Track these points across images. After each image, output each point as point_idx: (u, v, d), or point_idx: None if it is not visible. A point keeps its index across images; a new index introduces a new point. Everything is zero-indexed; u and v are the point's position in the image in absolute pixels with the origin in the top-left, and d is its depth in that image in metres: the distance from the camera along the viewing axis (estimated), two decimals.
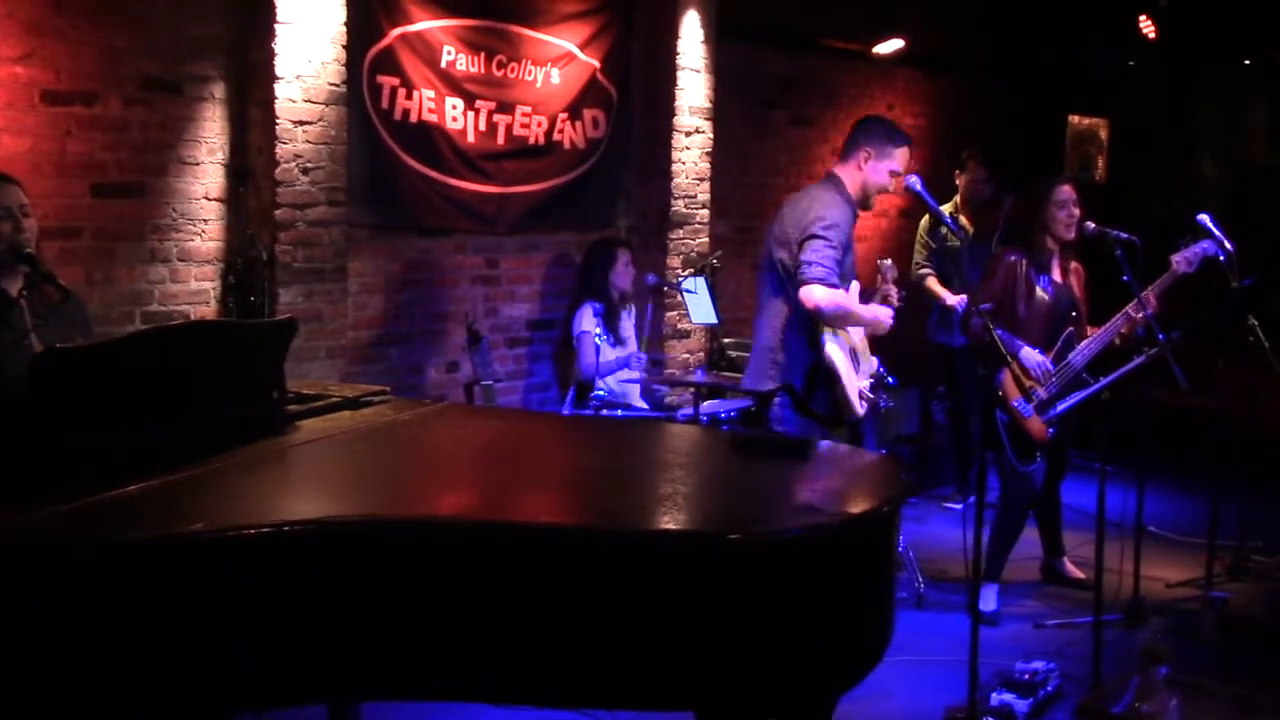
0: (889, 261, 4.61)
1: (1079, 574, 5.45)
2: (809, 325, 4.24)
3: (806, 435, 4.02)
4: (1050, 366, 4.99)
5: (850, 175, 4.40)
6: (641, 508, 2.65)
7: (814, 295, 4.11)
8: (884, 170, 4.40)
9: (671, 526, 2.51)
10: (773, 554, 2.38)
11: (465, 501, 2.73)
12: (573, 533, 2.42)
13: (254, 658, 2.26)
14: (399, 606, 2.32)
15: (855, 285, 4.40)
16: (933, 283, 6.45)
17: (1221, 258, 4.94)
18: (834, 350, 4.24)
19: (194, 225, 4.88)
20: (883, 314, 4.37)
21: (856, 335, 4.44)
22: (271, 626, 2.27)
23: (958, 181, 6.62)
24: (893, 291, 4.49)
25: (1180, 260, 4.92)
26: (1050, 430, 4.98)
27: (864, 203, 4.45)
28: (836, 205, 4.28)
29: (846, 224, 4.28)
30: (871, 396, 4.40)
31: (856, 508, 2.65)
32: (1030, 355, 5.00)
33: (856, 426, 4.51)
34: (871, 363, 4.53)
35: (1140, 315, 4.81)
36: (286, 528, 2.28)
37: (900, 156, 4.41)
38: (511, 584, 2.33)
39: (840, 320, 4.25)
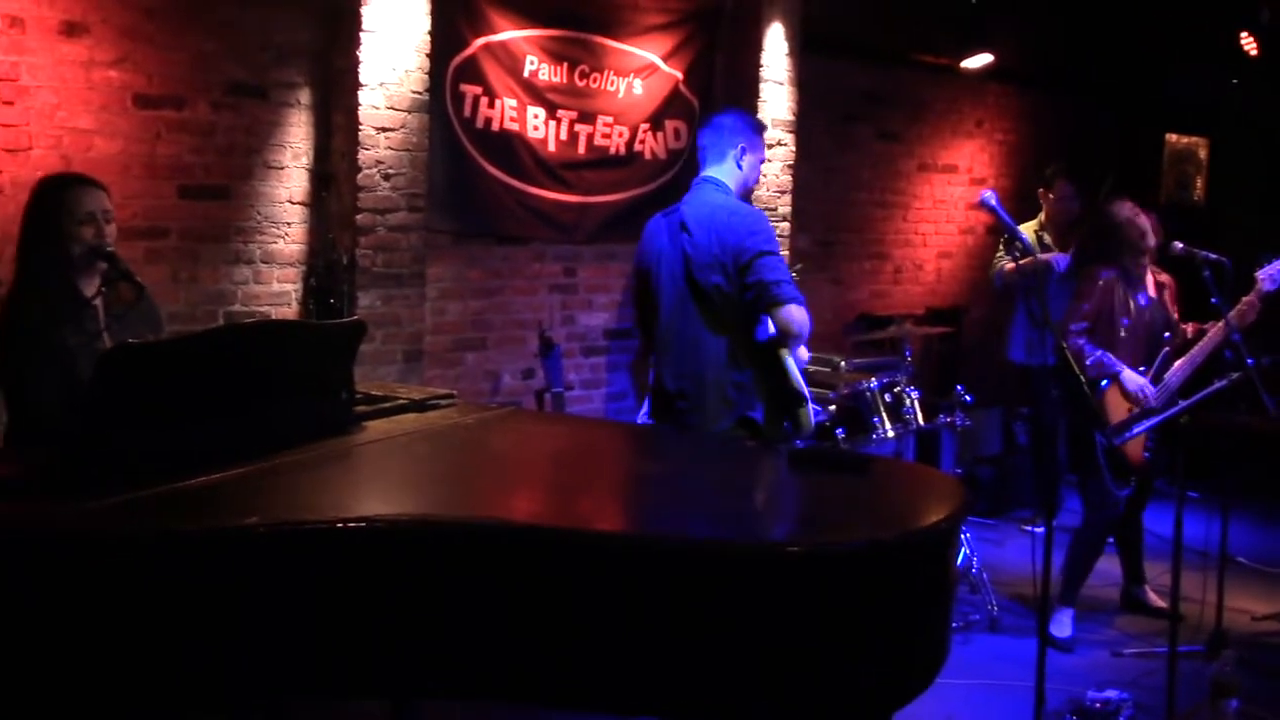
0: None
1: (1160, 603, 5.30)
2: (762, 350, 3.87)
3: None
4: (1153, 391, 4.89)
5: (731, 175, 3.97)
6: (698, 517, 2.64)
7: (794, 317, 3.72)
8: (759, 164, 4.04)
9: (727, 537, 2.49)
10: (832, 567, 2.35)
11: (518, 505, 2.74)
12: (627, 540, 2.42)
13: (307, 648, 2.29)
14: (449, 606, 2.33)
15: None
16: (1012, 264, 6.11)
17: None
18: (794, 369, 3.90)
19: (277, 228, 4.98)
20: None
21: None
22: (323, 619, 2.30)
23: (1043, 200, 6.47)
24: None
25: (1265, 278, 4.81)
26: (1146, 454, 4.87)
27: (746, 198, 4.04)
28: (758, 214, 3.90)
29: (773, 229, 3.87)
30: (819, 409, 4.19)
31: (916, 523, 2.61)
32: (1132, 378, 4.90)
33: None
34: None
35: (1228, 335, 4.69)
36: (340, 525, 2.31)
37: (764, 146, 4.07)
38: (564, 588, 2.33)
39: (801, 339, 3.84)
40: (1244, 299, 4.82)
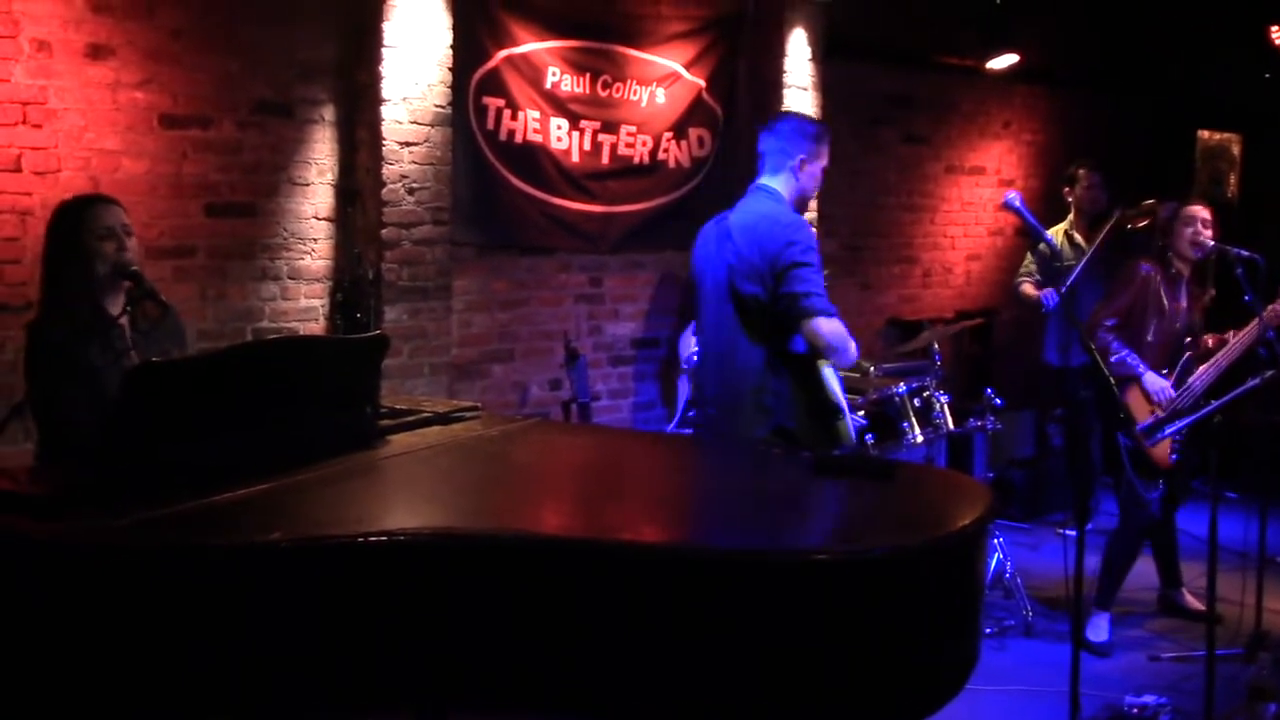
0: None
1: (1198, 605, 5.23)
2: (799, 361, 3.84)
3: None
4: (1174, 394, 4.83)
5: (787, 185, 3.94)
6: (724, 526, 2.63)
7: (822, 330, 3.70)
8: (819, 172, 3.99)
9: (752, 545, 2.48)
10: (857, 574, 2.33)
11: (543, 517, 2.73)
12: (653, 550, 2.40)
13: (332, 662, 2.30)
14: (474, 618, 2.33)
15: None
16: (1028, 288, 6.19)
17: None
18: (833, 381, 3.89)
19: (304, 244, 5.01)
20: (851, 345, 3.86)
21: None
22: (349, 633, 2.30)
23: (1068, 199, 6.42)
24: None
25: None
26: (1173, 455, 4.81)
27: (802, 208, 4.03)
28: (801, 224, 3.86)
29: (816, 241, 3.87)
30: (861, 421, 4.14)
31: (942, 529, 2.58)
32: (1153, 380, 4.85)
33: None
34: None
35: (1263, 333, 4.63)
36: (361, 539, 2.31)
37: (827, 152, 4.01)
38: (589, 599, 2.32)
39: (836, 352, 3.80)
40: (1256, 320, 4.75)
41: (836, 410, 3.86)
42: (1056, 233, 6.20)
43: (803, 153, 3.91)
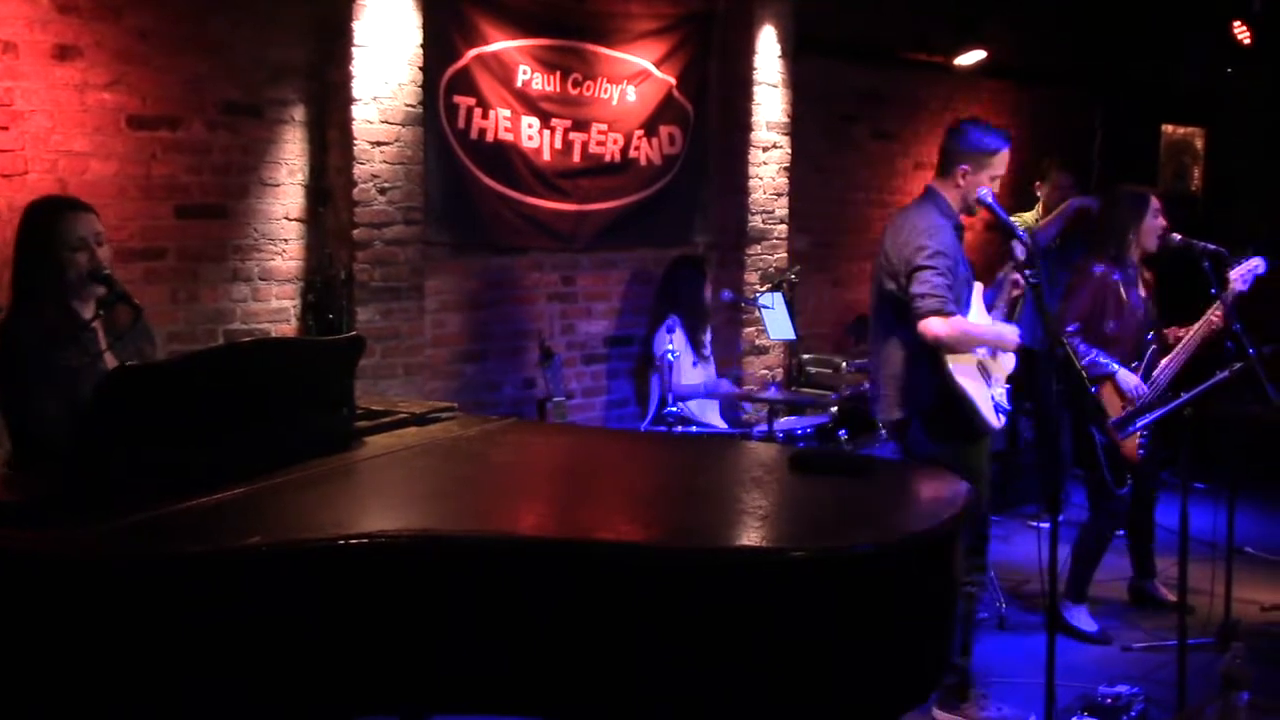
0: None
1: (1170, 596, 5.28)
2: (931, 352, 4.12)
3: (943, 457, 3.93)
4: (1145, 391, 4.88)
5: (950, 191, 4.25)
6: (701, 524, 2.63)
7: (932, 328, 4.00)
8: (984, 179, 4.24)
9: (730, 544, 2.49)
10: (836, 571, 2.35)
11: (521, 517, 2.73)
12: (630, 550, 2.40)
13: (311, 667, 2.29)
14: (455, 620, 2.33)
15: (978, 288, 4.33)
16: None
17: None
18: (960, 372, 4.11)
19: (275, 245, 4.98)
20: (1007, 332, 4.27)
21: (982, 348, 4.30)
22: (328, 637, 2.29)
23: (1038, 192, 6.48)
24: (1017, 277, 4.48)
25: (1236, 278, 4.81)
26: (1141, 451, 4.86)
27: (967, 212, 4.33)
28: (936, 229, 4.14)
29: (951, 245, 4.13)
30: (1007, 406, 4.34)
31: (920, 525, 2.60)
32: (1127, 378, 4.89)
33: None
34: (1004, 369, 4.37)
35: (1221, 325, 4.70)
36: (341, 541, 2.30)
37: (1000, 161, 4.25)
38: (568, 599, 2.33)
39: (963, 345, 4.13)
40: (1211, 310, 4.83)
41: (959, 398, 4.12)
42: (1024, 221, 6.24)
43: (968, 162, 4.20)
